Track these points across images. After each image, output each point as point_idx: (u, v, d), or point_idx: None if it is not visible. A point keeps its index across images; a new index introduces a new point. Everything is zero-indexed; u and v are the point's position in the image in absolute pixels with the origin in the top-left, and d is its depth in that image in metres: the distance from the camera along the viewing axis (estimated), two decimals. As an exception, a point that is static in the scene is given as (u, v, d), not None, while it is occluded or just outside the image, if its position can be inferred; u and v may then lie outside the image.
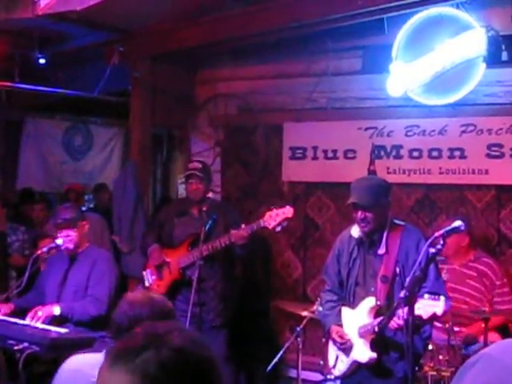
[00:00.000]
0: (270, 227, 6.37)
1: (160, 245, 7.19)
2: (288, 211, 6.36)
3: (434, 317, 4.78)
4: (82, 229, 6.65)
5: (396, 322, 4.94)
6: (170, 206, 7.82)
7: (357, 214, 5.25)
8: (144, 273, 7.19)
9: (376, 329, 5.06)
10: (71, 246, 6.52)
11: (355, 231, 5.44)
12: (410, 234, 5.31)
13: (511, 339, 1.66)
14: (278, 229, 6.41)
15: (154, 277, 7.06)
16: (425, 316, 4.68)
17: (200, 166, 7.23)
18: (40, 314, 6.04)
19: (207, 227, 6.65)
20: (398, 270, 5.17)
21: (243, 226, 6.52)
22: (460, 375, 1.54)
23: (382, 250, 5.27)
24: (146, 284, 7.08)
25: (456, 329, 6.16)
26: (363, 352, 5.24)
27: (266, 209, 6.51)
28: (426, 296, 4.75)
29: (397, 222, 5.42)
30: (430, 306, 4.68)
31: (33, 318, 5.98)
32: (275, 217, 6.34)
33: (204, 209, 6.88)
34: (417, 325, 4.71)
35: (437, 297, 4.72)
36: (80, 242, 6.60)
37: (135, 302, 3.44)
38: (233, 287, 7.34)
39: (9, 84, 9.62)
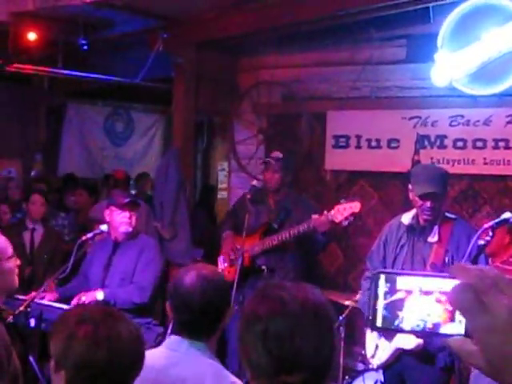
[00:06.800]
0: (337, 221, 6.33)
1: (234, 232, 7.27)
2: (355, 206, 6.31)
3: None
4: (137, 214, 6.66)
5: None
6: (247, 193, 7.89)
7: (425, 202, 5.18)
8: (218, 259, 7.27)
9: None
10: (130, 228, 6.43)
11: (406, 218, 5.41)
12: (461, 226, 5.28)
13: None
14: (345, 223, 6.38)
15: (226, 264, 7.11)
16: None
17: (280, 156, 7.29)
18: (84, 298, 6.09)
19: (281, 217, 6.70)
20: (447, 259, 5.14)
21: (325, 212, 6.50)
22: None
23: (433, 238, 5.24)
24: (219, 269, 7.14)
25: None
26: (408, 339, 5.20)
27: (336, 202, 6.49)
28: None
29: (448, 214, 5.41)
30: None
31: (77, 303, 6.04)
32: (343, 211, 6.30)
33: (279, 199, 6.91)
34: None
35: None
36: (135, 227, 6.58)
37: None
38: (304, 280, 7.32)
39: (52, 70, 9.70)
